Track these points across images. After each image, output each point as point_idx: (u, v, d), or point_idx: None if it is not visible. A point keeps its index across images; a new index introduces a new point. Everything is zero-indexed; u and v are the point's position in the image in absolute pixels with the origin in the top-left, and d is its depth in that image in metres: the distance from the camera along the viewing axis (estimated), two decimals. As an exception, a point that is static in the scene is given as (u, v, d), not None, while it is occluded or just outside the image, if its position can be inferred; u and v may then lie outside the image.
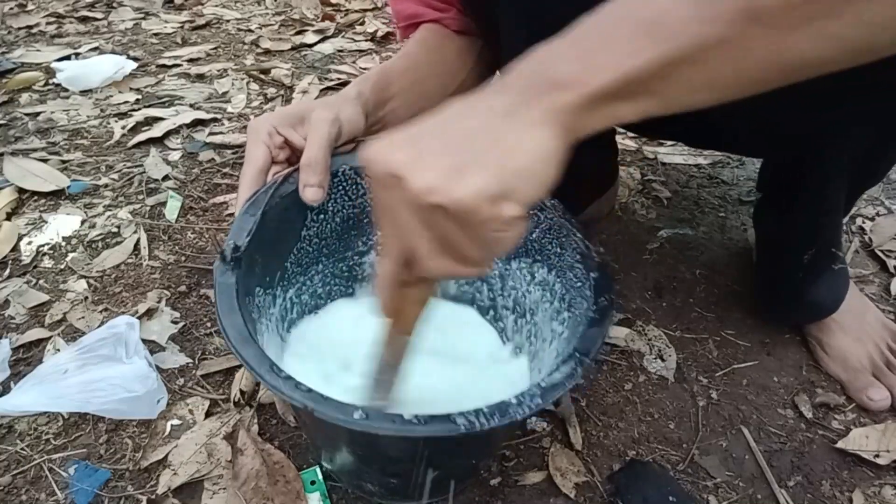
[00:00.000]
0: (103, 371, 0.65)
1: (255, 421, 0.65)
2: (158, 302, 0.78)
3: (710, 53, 0.31)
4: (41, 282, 0.81)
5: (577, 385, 0.42)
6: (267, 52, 1.46)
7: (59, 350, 0.71)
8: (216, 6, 1.70)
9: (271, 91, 1.29)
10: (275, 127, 0.55)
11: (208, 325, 0.76)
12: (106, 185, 0.98)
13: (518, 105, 0.33)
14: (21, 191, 0.95)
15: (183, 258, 0.85)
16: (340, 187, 0.59)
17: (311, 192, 0.53)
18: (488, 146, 0.32)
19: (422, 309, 0.42)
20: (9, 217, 0.91)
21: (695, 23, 0.31)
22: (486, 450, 0.58)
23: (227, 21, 1.61)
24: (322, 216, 0.59)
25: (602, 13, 0.34)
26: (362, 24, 1.62)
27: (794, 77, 0.32)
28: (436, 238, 0.34)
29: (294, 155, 0.56)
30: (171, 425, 0.64)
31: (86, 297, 0.79)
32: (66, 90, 1.25)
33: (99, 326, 0.73)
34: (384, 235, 0.37)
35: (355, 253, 0.64)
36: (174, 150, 1.08)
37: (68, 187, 0.96)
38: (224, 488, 0.58)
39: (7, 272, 0.82)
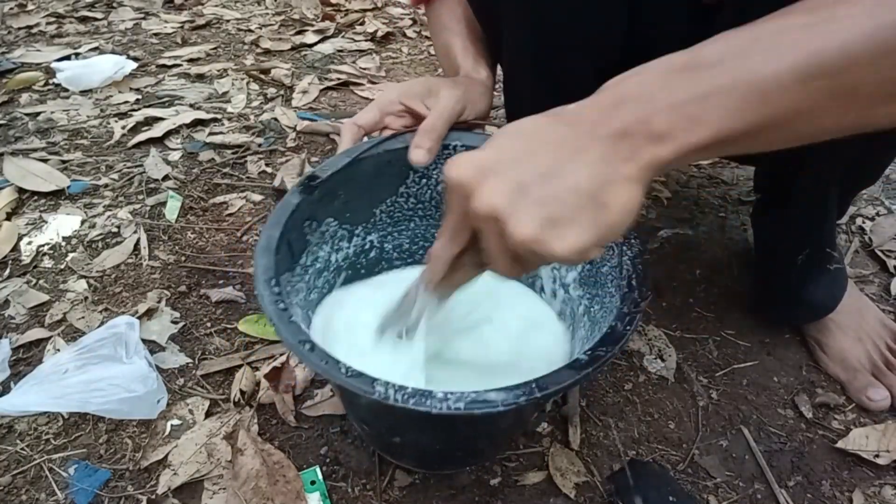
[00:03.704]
0: (103, 371, 0.65)
1: (255, 421, 0.65)
2: (158, 302, 0.78)
3: (802, 119, 0.33)
4: (41, 282, 0.81)
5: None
6: (267, 52, 1.46)
7: (59, 350, 0.71)
8: (216, 6, 1.70)
9: (271, 91, 1.29)
10: (398, 96, 0.59)
11: (208, 325, 0.76)
12: (106, 185, 0.98)
13: (615, 156, 0.34)
14: (21, 191, 0.95)
15: (183, 258, 0.85)
16: (448, 160, 0.61)
17: (419, 154, 0.57)
18: (585, 201, 0.34)
19: (467, 282, 0.45)
20: (9, 217, 0.91)
21: (793, 92, 0.32)
22: (448, 440, 0.56)
23: (227, 21, 1.61)
24: (424, 180, 0.63)
25: (694, 68, 0.34)
26: (362, 24, 1.62)
27: (861, 131, 0.35)
28: (516, 257, 0.37)
29: (415, 123, 0.59)
30: (171, 425, 0.64)
31: (86, 297, 0.79)
32: (66, 90, 1.25)
33: (99, 326, 0.73)
34: (455, 232, 0.40)
35: None
36: (174, 150, 1.08)
37: (68, 187, 0.96)
38: (224, 488, 0.58)
39: (7, 272, 0.82)
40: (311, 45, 1.50)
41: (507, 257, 0.37)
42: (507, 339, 0.60)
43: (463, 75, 0.65)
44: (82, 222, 0.91)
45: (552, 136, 0.36)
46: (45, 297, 0.78)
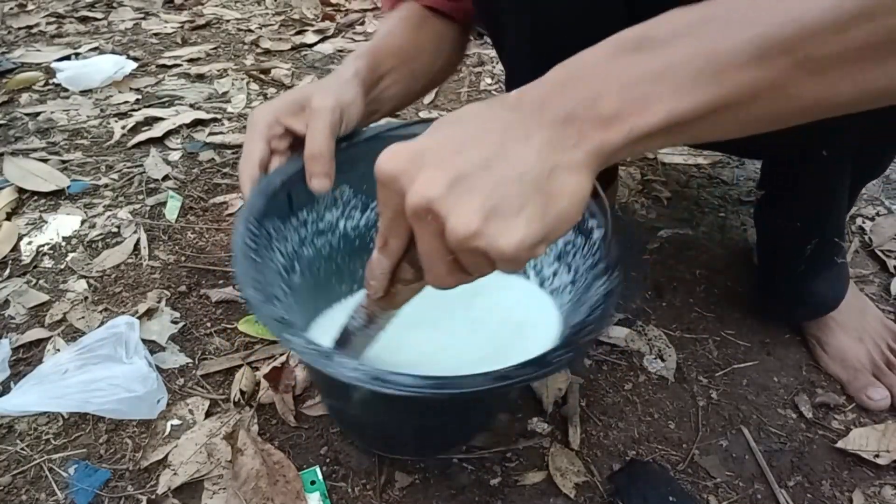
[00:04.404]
0: (103, 371, 0.65)
1: (255, 421, 0.65)
2: (158, 302, 0.78)
3: (758, 98, 0.31)
4: (41, 282, 0.81)
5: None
6: (267, 52, 1.46)
7: (59, 350, 0.71)
8: (216, 6, 1.70)
9: (271, 91, 1.29)
10: (276, 117, 0.55)
11: (208, 325, 0.76)
12: (106, 185, 0.98)
13: (561, 142, 0.32)
14: (21, 191, 0.95)
15: (183, 258, 0.85)
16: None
17: (319, 183, 0.54)
18: (530, 190, 0.31)
19: (412, 296, 0.42)
20: (9, 217, 0.91)
21: (750, 69, 0.30)
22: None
23: (227, 21, 1.62)
24: None
25: (644, 47, 0.32)
26: (362, 24, 1.63)
27: (821, 116, 0.33)
28: (454, 263, 0.34)
29: (297, 142, 0.56)
30: (171, 425, 0.64)
31: (86, 297, 0.79)
32: (66, 90, 1.25)
33: (99, 326, 0.73)
34: (389, 237, 0.36)
35: None
36: (174, 150, 1.08)
37: (68, 187, 0.96)
38: (224, 488, 0.58)
39: (7, 272, 0.82)
40: (311, 45, 1.50)
41: (445, 262, 0.34)
42: (501, 316, 0.60)
43: (336, 75, 0.60)
44: (82, 222, 0.91)
45: (495, 122, 0.33)
46: (45, 297, 0.78)
